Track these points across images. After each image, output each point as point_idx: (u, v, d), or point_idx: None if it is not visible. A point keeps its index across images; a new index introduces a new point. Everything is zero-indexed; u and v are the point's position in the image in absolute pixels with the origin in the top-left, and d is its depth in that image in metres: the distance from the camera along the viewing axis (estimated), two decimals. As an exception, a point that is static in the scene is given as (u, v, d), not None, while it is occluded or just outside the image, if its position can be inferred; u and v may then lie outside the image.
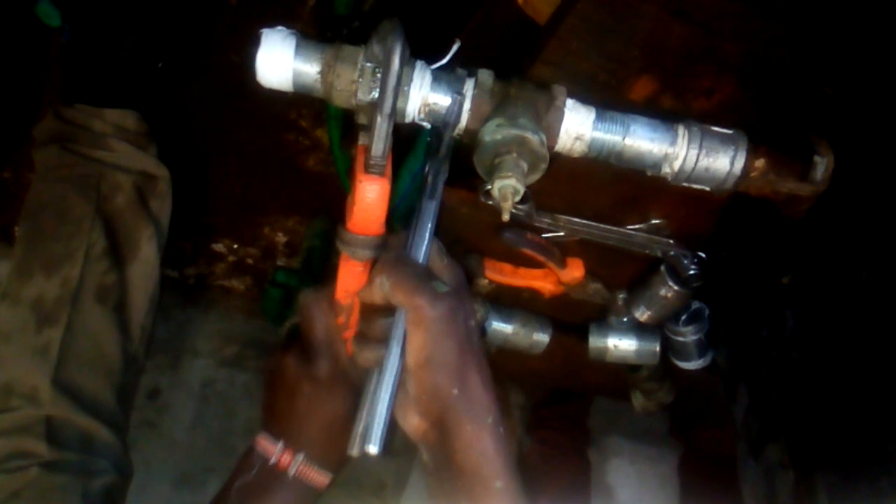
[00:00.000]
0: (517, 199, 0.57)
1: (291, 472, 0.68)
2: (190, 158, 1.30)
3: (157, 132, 1.07)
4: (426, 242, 0.57)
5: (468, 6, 0.94)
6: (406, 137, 0.95)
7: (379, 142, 0.56)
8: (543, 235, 0.86)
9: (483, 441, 0.52)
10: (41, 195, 1.00)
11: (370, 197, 0.58)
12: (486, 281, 0.94)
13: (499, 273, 0.93)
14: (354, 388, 0.66)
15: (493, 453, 0.52)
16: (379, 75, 0.57)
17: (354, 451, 0.54)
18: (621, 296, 0.95)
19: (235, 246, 1.49)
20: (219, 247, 1.49)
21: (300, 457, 0.68)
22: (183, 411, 1.48)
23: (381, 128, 0.55)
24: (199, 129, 1.30)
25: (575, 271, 0.91)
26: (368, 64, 0.57)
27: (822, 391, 0.63)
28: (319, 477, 0.70)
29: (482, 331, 0.97)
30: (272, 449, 0.68)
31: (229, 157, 1.35)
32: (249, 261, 1.51)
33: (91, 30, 1.06)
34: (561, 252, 0.89)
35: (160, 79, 1.14)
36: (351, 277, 0.63)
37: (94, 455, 0.89)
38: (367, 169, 0.57)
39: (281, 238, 1.48)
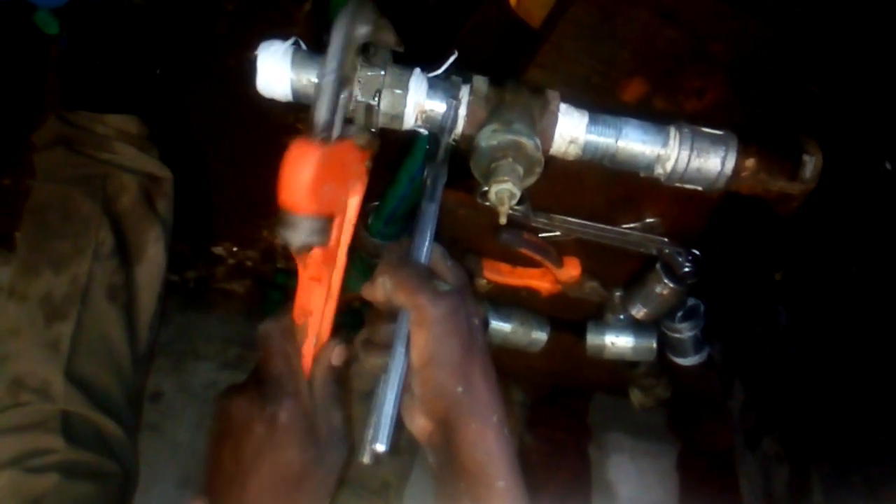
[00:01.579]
0: (514, 202, 0.58)
1: None
2: (189, 163, 1.31)
3: (157, 137, 1.08)
4: (427, 244, 0.58)
5: (463, 9, 0.95)
6: (404, 140, 0.96)
7: (322, 105, 0.53)
8: (540, 235, 0.88)
9: (487, 440, 0.52)
10: (46, 195, 0.98)
11: (295, 162, 0.51)
12: (485, 281, 0.95)
13: (497, 273, 0.94)
14: (315, 435, 0.59)
15: (497, 452, 0.52)
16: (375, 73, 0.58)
17: (365, 458, 0.54)
18: (618, 293, 0.96)
19: (235, 249, 1.50)
20: (218, 250, 1.49)
21: None
22: (185, 413, 1.49)
23: (326, 87, 0.53)
24: (198, 134, 1.31)
25: (572, 270, 0.92)
26: (368, 72, 0.58)
27: (815, 385, 0.64)
28: None
29: (485, 326, 0.98)
30: None
31: (228, 160, 1.36)
32: (249, 263, 1.52)
33: (89, 37, 1.07)
34: (558, 251, 0.91)
35: (158, 85, 1.15)
36: (304, 289, 0.60)
37: (108, 454, 0.88)
38: (311, 134, 0.52)
39: (280, 240, 1.49)
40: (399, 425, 0.54)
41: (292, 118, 1.30)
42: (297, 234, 0.53)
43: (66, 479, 0.82)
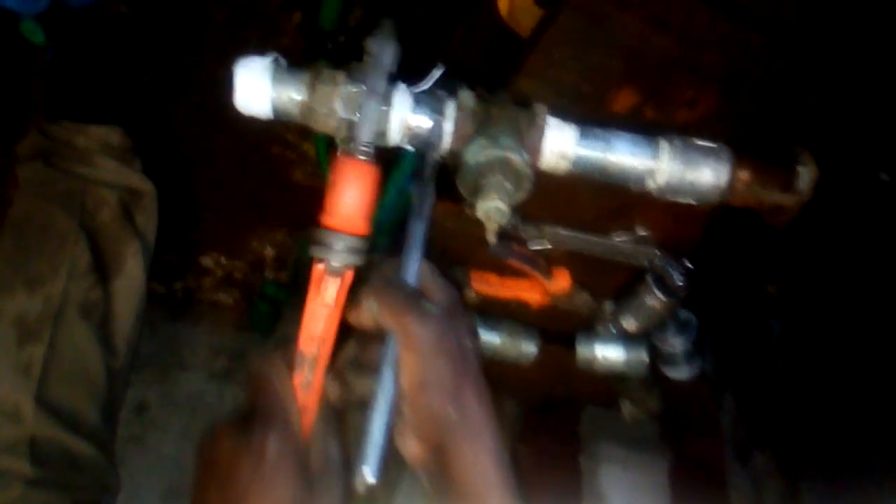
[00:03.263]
0: (503, 221, 0.57)
1: None
2: (176, 173, 1.30)
3: (143, 147, 1.07)
4: (415, 263, 0.56)
5: (452, 19, 0.94)
6: (392, 151, 0.95)
7: (367, 127, 0.55)
8: (529, 246, 0.87)
9: (483, 464, 0.50)
10: (24, 210, 0.99)
11: (356, 180, 0.53)
12: (473, 292, 0.94)
13: (485, 284, 0.93)
14: (309, 471, 0.54)
15: (494, 476, 0.50)
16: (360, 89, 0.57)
17: (360, 488, 0.50)
18: (609, 306, 0.95)
19: (223, 259, 1.49)
20: (206, 261, 1.48)
21: None
22: (171, 425, 1.47)
23: (371, 110, 0.56)
24: (185, 144, 1.30)
25: (562, 282, 0.91)
26: (351, 88, 0.58)
27: (808, 400, 0.63)
28: None
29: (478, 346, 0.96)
30: None
31: (216, 170, 1.34)
32: (237, 274, 1.50)
33: (75, 47, 1.06)
34: (547, 263, 0.89)
35: (145, 94, 1.14)
36: (317, 316, 0.56)
37: (78, 472, 0.89)
38: (353, 154, 0.54)
39: (269, 251, 1.47)
40: (391, 449, 0.52)
41: (281, 127, 1.29)
42: (345, 255, 0.54)
43: (31, 488, 0.83)
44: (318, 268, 0.55)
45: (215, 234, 1.44)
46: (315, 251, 0.54)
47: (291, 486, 0.52)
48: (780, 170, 0.61)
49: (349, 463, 0.58)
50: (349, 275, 0.56)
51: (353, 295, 0.57)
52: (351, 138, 0.57)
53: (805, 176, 0.60)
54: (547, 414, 1.56)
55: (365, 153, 0.55)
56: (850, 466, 0.56)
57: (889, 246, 0.57)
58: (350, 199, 0.53)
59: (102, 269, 0.98)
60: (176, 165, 1.30)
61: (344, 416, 0.61)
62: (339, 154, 0.56)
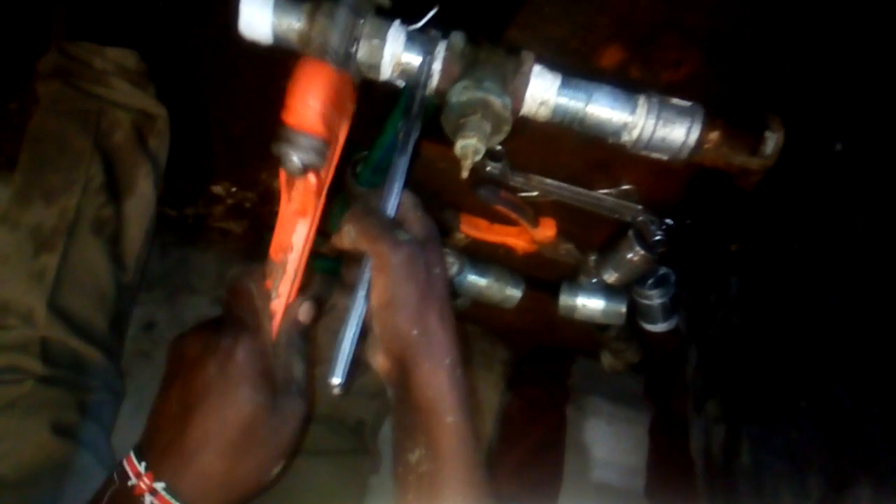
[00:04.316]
0: (477, 158, 0.60)
1: None
2: (191, 100, 1.33)
3: (158, 72, 1.10)
4: (395, 196, 0.61)
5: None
6: (393, 93, 0.97)
7: (337, 31, 0.57)
8: (519, 195, 0.90)
9: (438, 379, 0.56)
10: (43, 126, 1.03)
11: (310, 78, 0.56)
12: (463, 235, 0.97)
13: (474, 228, 0.96)
14: (272, 380, 0.59)
15: (448, 391, 0.56)
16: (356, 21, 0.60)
17: (336, 390, 0.56)
18: (592, 257, 0.98)
19: (234, 189, 1.52)
20: (218, 189, 1.51)
21: (159, 487, 0.54)
22: (176, 344, 1.53)
23: (342, 14, 0.58)
24: (200, 71, 1.32)
25: (547, 230, 0.95)
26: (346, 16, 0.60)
27: (752, 351, 0.67)
28: None
29: (450, 280, 1.00)
30: (133, 470, 0.55)
31: (229, 100, 1.36)
32: (247, 204, 1.54)
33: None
34: (535, 212, 0.93)
35: (161, 19, 1.16)
36: (285, 223, 0.60)
37: (85, 374, 0.94)
38: (319, 55, 0.57)
39: (277, 185, 1.51)
40: (359, 366, 0.58)
41: (293, 61, 1.31)
42: (301, 152, 0.56)
43: (40, 384, 0.88)
44: (284, 171, 0.59)
45: (227, 163, 1.47)
46: (275, 147, 0.58)
47: (253, 390, 0.58)
48: (749, 133, 0.64)
49: (310, 389, 0.64)
50: (313, 180, 0.59)
51: (336, 222, 0.62)
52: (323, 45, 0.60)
53: (771, 141, 0.63)
54: (538, 364, 1.61)
55: (332, 58, 0.58)
56: (782, 412, 0.60)
57: (836, 212, 0.60)
58: (311, 99, 0.56)
59: (115, 189, 1.02)
60: (190, 93, 1.33)
61: (315, 340, 0.66)
62: (305, 57, 0.58)
